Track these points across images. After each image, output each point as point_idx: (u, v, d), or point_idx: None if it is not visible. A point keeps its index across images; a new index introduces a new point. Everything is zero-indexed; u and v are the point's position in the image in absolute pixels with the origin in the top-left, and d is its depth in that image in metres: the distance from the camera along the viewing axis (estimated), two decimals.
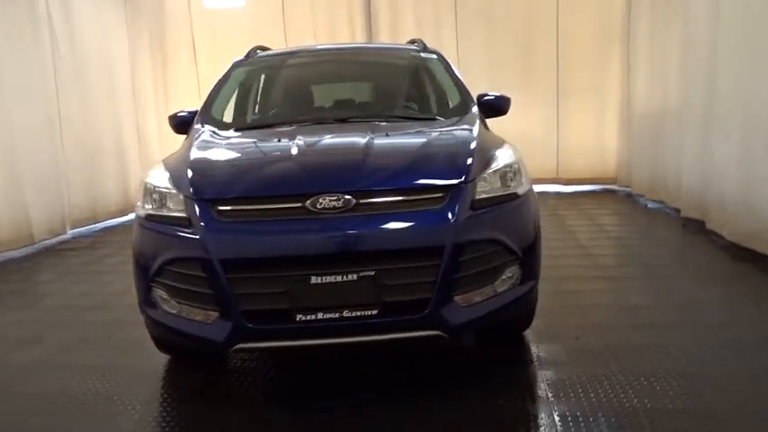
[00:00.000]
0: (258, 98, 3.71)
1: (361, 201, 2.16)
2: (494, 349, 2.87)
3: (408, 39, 4.23)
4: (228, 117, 3.45)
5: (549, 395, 2.35)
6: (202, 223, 2.18)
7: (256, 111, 3.62)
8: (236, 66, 3.70)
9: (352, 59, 3.92)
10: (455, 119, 3.06)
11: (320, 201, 2.13)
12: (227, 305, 2.14)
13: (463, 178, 2.28)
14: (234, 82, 3.59)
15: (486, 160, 2.43)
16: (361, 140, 2.57)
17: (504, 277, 2.31)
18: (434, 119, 3.08)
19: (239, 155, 2.78)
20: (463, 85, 3.41)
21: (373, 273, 2.11)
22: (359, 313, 2.12)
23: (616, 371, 2.51)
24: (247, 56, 3.82)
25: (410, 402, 2.36)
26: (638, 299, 3.62)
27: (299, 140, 2.60)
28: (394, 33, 7.82)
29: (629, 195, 7.42)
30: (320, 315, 2.11)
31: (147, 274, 2.29)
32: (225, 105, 3.49)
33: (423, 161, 2.45)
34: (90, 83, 6.94)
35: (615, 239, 5.49)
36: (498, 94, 3.38)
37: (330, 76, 3.83)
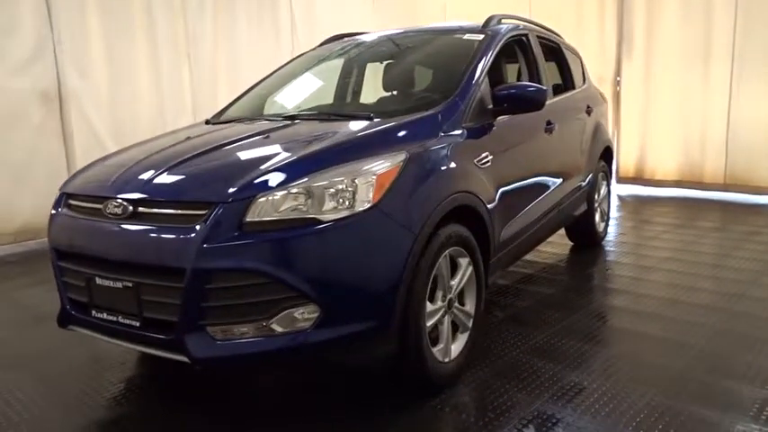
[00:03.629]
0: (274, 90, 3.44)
1: (138, 209, 2.07)
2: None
3: None
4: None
5: None
6: (53, 212, 2.42)
7: (247, 101, 3.35)
8: (302, 54, 3.77)
9: (377, 50, 3.50)
10: (384, 120, 2.44)
11: (109, 205, 2.13)
12: (59, 289, 2.36)
13: (229, 196, 1.90)
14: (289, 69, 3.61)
15: (309, 174, 1.98)
16: (214, 145, 2.37)
17: (286, 315, 1.91)
18: (369, 118, 2.58)
19: (135, 151, 2.58)
20: (475, 74, 2.74)
21: (131, 285, 2.02)
22: (128, 322, 2.07)
23: None
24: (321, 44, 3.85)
25: None
26: None
27: (189, 141, 2.58)
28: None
29: None
30: (105, 315, 2.13)
31: None
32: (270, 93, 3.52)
33: (213, 172, 2.15)
34: None
35: None
36: (524, 85, 2.72)
37: (341, 68, 3.54)
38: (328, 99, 3.44)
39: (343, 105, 3.28)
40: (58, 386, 2.56)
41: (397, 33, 3.50)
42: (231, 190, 1.93)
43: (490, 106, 2.75)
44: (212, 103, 6.08)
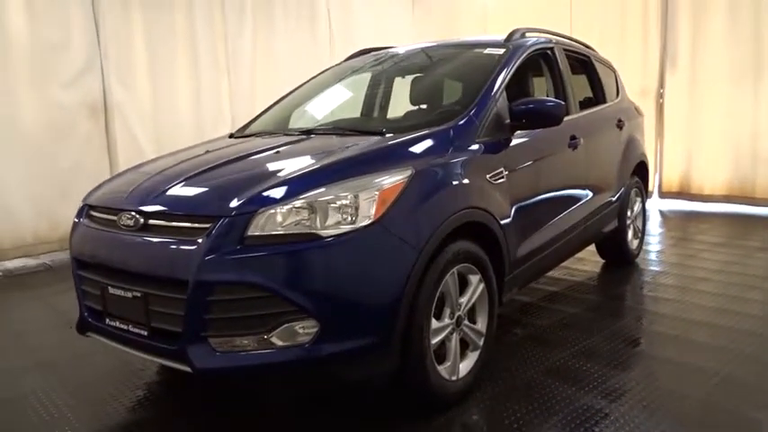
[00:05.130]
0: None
1: (149, 222, 2.14)
2: None
3: None
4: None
5: None
6: (75, 221, 2.52)
7: (272, 115, 3.42)
8: (328, 69, 3.84)
9: (400, 65, 3.51)
10: (395, 136, 2.45)
11: (123, 217, 2.21)
12: (78, 297, 2.45)
13: (232, 210, 1.94)
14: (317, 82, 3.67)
15: (311, 189, 2.01)
16: (227, 159, 2.44)
17: (286, 329, 1.93)
18: (382, 133, 2.59)
19: (155, 164, 2.66)
20: (492, 89, 2.71)
21: (140, 295, 2.09)
22: (137, 331, 2.13)
23: None
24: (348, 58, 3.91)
25: None
26: None
27: (206, 155, 2.65)
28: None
29: None
30: (118, 324, 2.21)
31: None
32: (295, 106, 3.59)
33: (220, 186, 2.18)
34: None
35: None
36: (541, 100, 2.70)
37: (364, 83, 3.56)
38: (349, 114, 3.48)
39: (359, 121, 3.31)
40: (86, 389, 2.66)
41: (422, 48, 3.51)
42: (234, 204, 1.98)
43: (507, 121, 2.73)
44: (250, 115, 6.19)
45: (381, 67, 3.62)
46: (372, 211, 2.00)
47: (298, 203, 1.96)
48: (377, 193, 2.03)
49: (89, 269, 2.34)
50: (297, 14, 7.00)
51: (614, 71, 4.49)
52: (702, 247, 4.97)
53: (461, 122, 2.55)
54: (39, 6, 5.19)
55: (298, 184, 2.04)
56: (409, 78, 3.37)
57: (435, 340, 2.24)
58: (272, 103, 3.65)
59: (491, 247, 2.53)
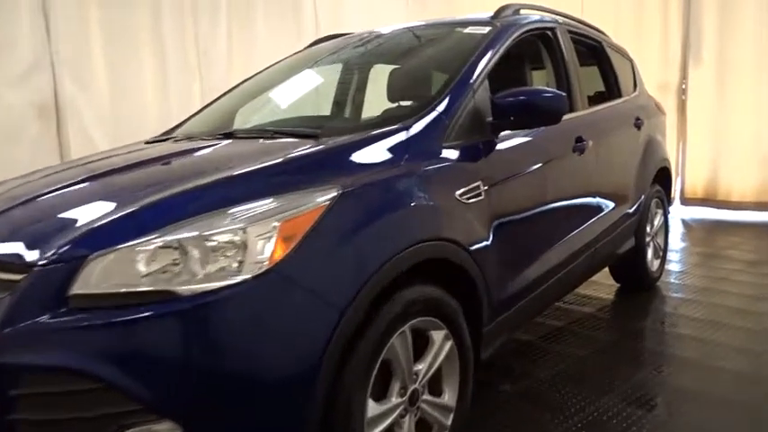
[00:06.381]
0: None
1: None
2: None
3: None
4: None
5: None
6: None
7: (211, 114, 2.77)
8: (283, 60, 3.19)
9: (365, 52, 2.82)
10: (331, 139, 1.80)
11: None
12: None
13: (49, 256, 1.30)
14: None
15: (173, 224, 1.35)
16: (88, 176, 1.84)
17: None
18: (315, 136, 1.92)
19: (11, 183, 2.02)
20: (468, 78, 2.06)
21: None
22: None
23: None
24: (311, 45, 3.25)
25: None
26: None
27: (73, 169, 2.02)
28: None
29: None
30: None
31: None
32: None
33: (47, 219, 1.51)
34: None
35: None
36: (534, 91, 2.03)
37: (320, 74, 2.88)
38: (298, 110, 2.80)
39: (295, 120, 2.59)
40: None
41: (393, 31, 2.83)
42: (55, 247, 1.33)
43: (489, 119, 2.06)
44: None
45: (344, 55, 2.95)
46: (268, 253, 1.35)
47: (150, 245, 1.31)
48: (276, 225, 1.37)
49: None
50: (280, 13, 6.39)
51: (631, 61, 3.79)
52: (734, 267, 4.25)
53: (423, 121, 1.88)
54: None
55: (154, 215, 1.39)
56: (374, 67, 2.70)
57: (378, 430, 1.57)
58: (215, 98, 3.01)
59: (463, 289, 1.86)
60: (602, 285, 3.81)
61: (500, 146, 2.09)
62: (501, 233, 2.02)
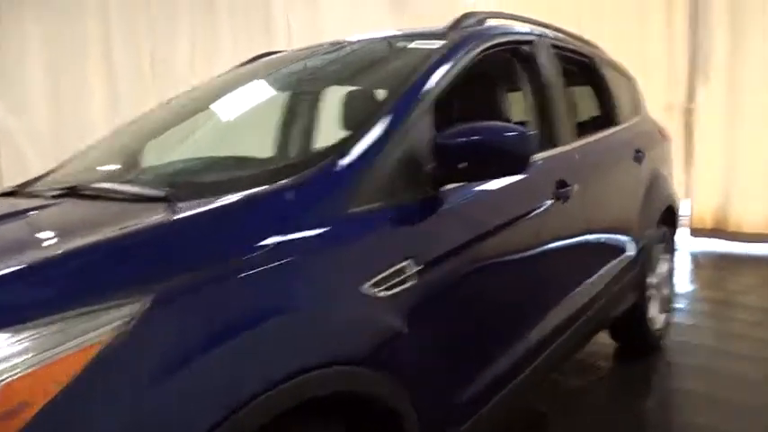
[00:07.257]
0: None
1: None
2: None
3: None
4: None
5: None
6: None
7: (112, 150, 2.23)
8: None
9: (287, 75, 2.21)
10: (187, 207, 1.20)
11: None
12: None
13: None
14: None
15: None
16: None
17: None
18: (166, 199, 1.31)
19: None
20: (396, 112, 1.49)
21: None
22: None
23: None
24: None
25: None
26: None
27: None
28: None
29: None
30: None
31: None
32: None
33: None
34: None
35: None
36: (490, 128, 1.47)
37: (240, 101, 2.26)
38: (196, 149, 2.20)
39: (149, 173, 1.88)
40: None
41: (327, 47, 2.25)
42: None
43: (430, 166, 1.48)
44: None
45: (267, 78, 2.34)
46: None
47: None
48: None
49: None
50: (246, 23, 5.88)
51: (631, 80, 3.22)
52: (753, 318, 3.63)
53: (317, 176, 1.30)
54: None
55: None
56: (288, 95, 2.12)
57: None
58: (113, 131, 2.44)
59: (388, 423, 1.28)
60: (599, 346, 3.19)
61: (445, 205, 1.51)
62: (445, 331, 1.44)
